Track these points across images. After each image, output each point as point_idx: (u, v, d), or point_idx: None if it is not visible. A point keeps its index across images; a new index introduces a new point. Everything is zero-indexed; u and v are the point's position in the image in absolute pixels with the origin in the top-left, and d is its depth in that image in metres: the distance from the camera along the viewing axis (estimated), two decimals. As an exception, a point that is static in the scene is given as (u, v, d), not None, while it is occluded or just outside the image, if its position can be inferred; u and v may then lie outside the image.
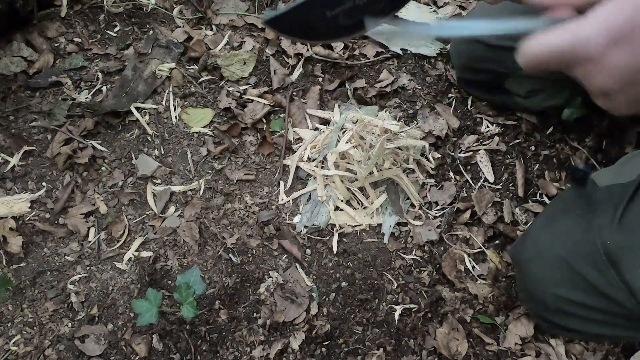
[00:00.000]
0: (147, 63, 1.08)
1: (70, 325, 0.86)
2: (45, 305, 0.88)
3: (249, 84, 1.09)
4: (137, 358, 0.84)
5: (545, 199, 0.98)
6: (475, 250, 0.94)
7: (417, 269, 0.93)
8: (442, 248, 0.95)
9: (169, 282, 0.90)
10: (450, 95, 1.10)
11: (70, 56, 1.09)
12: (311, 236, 0.94)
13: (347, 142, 0.96)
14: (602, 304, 0.64)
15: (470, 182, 1.00)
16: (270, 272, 0.91)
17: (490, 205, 0.97)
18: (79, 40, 1.11)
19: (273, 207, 0.98)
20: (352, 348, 0.86)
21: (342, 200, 0.97)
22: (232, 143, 1.03)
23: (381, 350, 0.85)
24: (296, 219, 0.96)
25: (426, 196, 0.99)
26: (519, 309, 0.89)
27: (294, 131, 1.05)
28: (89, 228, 0.94)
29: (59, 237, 0.93)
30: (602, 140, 1.02)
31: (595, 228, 0.64)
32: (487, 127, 1.06)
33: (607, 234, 0.62)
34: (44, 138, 1.01)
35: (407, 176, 0.98)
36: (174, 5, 1.18)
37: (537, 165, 1.02)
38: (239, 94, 1.07)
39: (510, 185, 1.00)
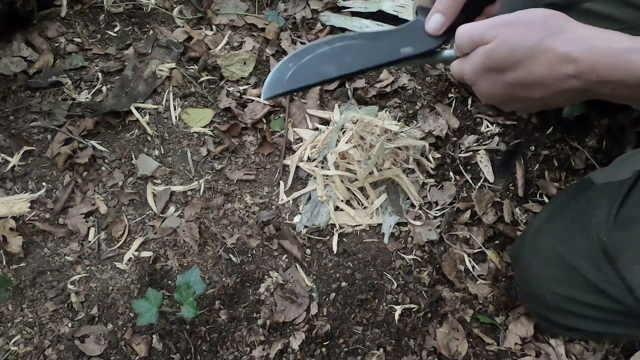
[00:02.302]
0: (147, 63, 1.08)
1: (70, 325, 0.86)
2: (45, 305, 0.88)
3: (249, 84, 1.09)
4: (137, 358, 0.84)
5: (545, 199, 0.99)
6: (475, 250, 0.94)
7: (417, 269, 0.93)
8: (442, 248, 0.95)
9: (169, 282, 0.90)
10: (450, 95, 1.10)
11: (70, 56, 1.09)
12: (311, 236, 0.94)
13: (347, 142, 0.96)
14: (601, 301, 0.65)
15: (470, 182, 1.00)
16: (270, 272, 0.91)
17: (490, 205, 0.97)
18: (79, 40, 1.11)
19: (273, 207, 0.98)
20: (352, 348, 0.86)
21: (342, 200, 0.97)
22: (232, 143, 1.03)
23: (381, 350, 0.85)
24: (296, 219, 0.96)
25: (426, 196, 0.99)
26: (519, 309, 0.89)
27: (294, 131, 1.05)
28: (89, 228, 0.94)
29: (59, 237, 0.93)
30: (602, 140, 1.02)
31: (592, 225, 0.65)
32: (487, 127, 1.06)
33: (604, 230, 0.63)
34: (44, 138, 1.01)
35: (407, 176, 0.98)
36: (174, 5, 1.18)
37: (537, 165, 1.02)
38: (239, 94, 1.07)
39: (510, 185, 1.00)
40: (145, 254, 0.92)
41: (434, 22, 0.57)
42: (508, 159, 1.01)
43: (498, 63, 0.51)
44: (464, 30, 0.53)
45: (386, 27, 0.63)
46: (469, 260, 0.93)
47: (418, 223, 0.96)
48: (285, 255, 0.94)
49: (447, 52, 0.58)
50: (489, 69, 0.52)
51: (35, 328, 0.86)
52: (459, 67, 0.56)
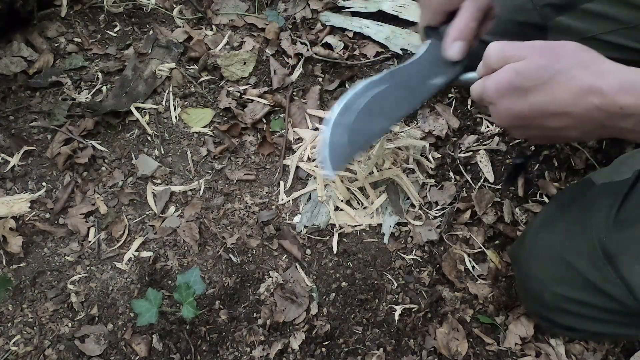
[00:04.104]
0: (147, 63, 1.08)
1: (70, 325, 0.86)
2: (45, 305, 0.88)
3: (249, 84, 1.09)
4: (137, 358, 0.84)
5: (545, 199, 0.98)
6: (475, 250, 0.94)
7: (417, 269, 0.93)
8: (442, 248, 0.95)
9: (169, 282, 0.90)
10: (450, 95, 1.10)
11: (70, 56, 1.09)
12: (311, 236, 0.94)
13: (347, 142, 0.96)
14: (601, 301, 0.65)
15: (470, 182, 1.00)
16: (270, 272, 0.91)
17: (490, 205, 0.97)
18: (79, 40, 1.11)
19: (273, 207, 0.98)
20: (352, 348, 0.86)
21: (342, 200, 0.97)
22: (232, 143, 1.03)
23: (381, 350, 0.85)
24: (296, 219, 0.96)
25: (426, 196, 0.99)
26: (519, 309, 0.89)
27: (294, 131, 1.05)
28: (89, 228, 0.94)
29: (59, 237, 0.93)
30: (602, 140, 1.02)
31: (592, 225, 0.65)
32: (487, 127, 1.06)
33: (604, 230, 0.63)
34: (44, 138, 1.01)
35: (407, 176, 0.98)
36: (174, 5, 1.18)
37: (537, 165, 1.02)
38: (239, 94, 1.07)
39: (510, 185, 1.00)
40: (145, 254, 0.92)
41: (455, 50, 0.59)
42: (515, 171, 0.99)
43: (524, 82, 0.50)
44: (497, 47, 0.53)
45: (406, 61, 0.63)
46: (469, 260, 0.93)
47: (418, 223, 0.96)
48: (285, 255, 0.94)
49: (469, 75, 0.59)
50: (514, 88, 0.51)
51: (35, 328, 0.86)
52: (481, 85, 0.55)
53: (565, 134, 0.53)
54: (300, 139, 1.04)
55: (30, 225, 0.93)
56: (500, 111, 0.54)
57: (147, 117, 1.04)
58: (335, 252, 0.93)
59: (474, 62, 0.58)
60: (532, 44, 0.51)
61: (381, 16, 1.18)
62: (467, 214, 0.96)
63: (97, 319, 0.87)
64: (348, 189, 0.96)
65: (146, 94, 1.06)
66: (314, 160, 1.00)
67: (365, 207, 0.97)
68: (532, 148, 1.01)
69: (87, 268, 0.91)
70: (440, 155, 1.02)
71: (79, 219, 0.94)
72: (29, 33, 1.08)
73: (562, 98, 0.49)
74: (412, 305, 0.89)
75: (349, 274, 0.92)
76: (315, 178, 0.98)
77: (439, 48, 0.60)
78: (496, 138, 1.04)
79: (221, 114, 1.06)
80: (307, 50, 1.12)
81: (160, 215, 0.96)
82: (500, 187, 0.99)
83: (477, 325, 0.89)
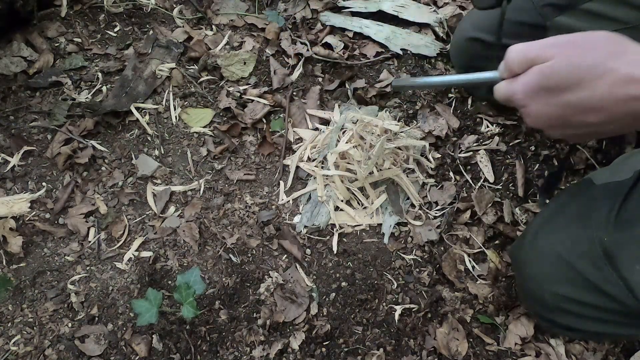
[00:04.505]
0: (147, 63, 1.08)
1: (70, 325, 0.86)
2: (45, 305, 0.88)
3: (249, 84, 1.09)
4: (137, 358, 0.84)
5: (545, 199, 0.98)
6: (475, 250, 0.94)
7: (417, 269, 0.93)
8: (442, 248, 0.95)
9: (169, 282, 0.90)
10: (450, 95, 1.10)
11: (70, 56, 1.09)
12: (311, 236, 0.94)
13: (347, 142, 0.96)
14: (601, 301, 0.65)
15: (470, 182, 1.00)
16: (270, 272, 0.91)
17: (490, 205, 0.97)
18: (79, 40, 1.11)
19: (273, 207, 0.98)
20: (352, 348, 0.86)
21: (342, 200, 0.97)
22: (232, 143, 1.03)
23: (381, 350, 0.85)
24: (296, 219, 0.96)
25: (426, 196, 0.99)
26: (519, 309, 0.89)
27: (294, 131, 1.05)
28: (89, 228, 0.94)
29: (59, 237, 0.93)
30: (602, 140, 1.02)
31: (592, 225, 0.65)
32: (487, 127, 1.06)
33: (604, 230, 0.63)
34: (44, 138, 1.01)
35: (407, 176, 0.98)
36: (174, 5, 1.18)
37: (537, 165, 1.02)
38: (239, 94, 1.07)
39: (510, 185, 1.00)
40: (145, 254, 0.92)
41: None
42: (551, 181, 0.94)
43: (556, 82, 0.49)
44: (517, 49, 0.51)
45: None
46: (469, 260, 0.93)
47: (418, 223, 0.96)
48: (285, 255, 0.94)
49: (488, 75, 0.58)
50: (545, 89, 0.50)
51: (35, 328, 0.86)
52: (507, 88, 0.54)
53: (602, 129, 0.51)
54: (300, 139, 1.04)
55: (30, 225, 0.93)
56: (533, 114, 0.53)
57: (147, 117, 1.04)
58: (335, 252, 0.93)
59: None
60: (555, 41, 0.50)
61: (381, 16, 1.18)
62: (467, 214, 0.96)
63: (97, 319, 0.87)
64: (348, 189, 0.96)
65: (146, 94, 1.06)
66: (314, 160, 1.00)
67: (365, 207, 0.97)
68: (561, 154, 0.98)
69: (87, 268, 0.91)
70: (440, 155, 1.02)
71: (79, 219, 0.94)
72: (29, 33, 1.08)
73: (597, 93, 0.47)
74: (412, 305, 0.89)
75: (349, 274, 0.92)
76: (315, 178, 0.98)
77: None
78: (496, 138, 1.04)
79: (221, 114, 1.06)
80: (307, 50, 1.12)
81: (160, 215, 0.96)
82: (537, 201, 0.97)
83: (477, 325, 0.89)
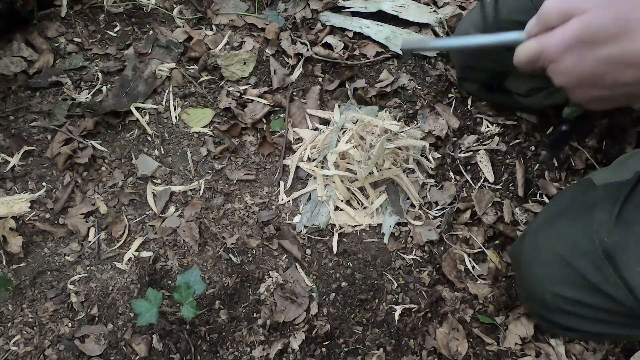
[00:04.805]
0: (147, 63, 1.08)
1: (70, 325, 0.86)
2: (45, 305, 0.88)
3: (249, 84, 1.09)
4: (137, 358, 0.84)
5: (545, 199, 0.98)
6: (475, 250, 0.94)
7: (417, 269, 0.93)
8: (442, 248, 0.95)
9: (169, 282, 0.90)
10: (450, 95, 1.10)
11: (70, 56, 1.09)
12: (311, 236, 0.94)
13: (347, 142, 0.96)
14: (601, 302, 0.65)
15: (470, 182, 1.00)
16: (270, 272, 0.91)
17: (490, 205, 0.97)
18: (79, 40, 1.11)
19: (273, 207, 0.98)
20: (352, 348, 0.86)
21: (342, 200, 0.97)
22: (232, 143, 1.03)
23: (381, 350, 0.85)
24: (296, 219, 0.96)
25: (426, 196, 0.99)
26: (519, 309, 0.89)
27: (294, 131, 1.05)
28: (89, 228, 0.94)
29: (59, 237, 0.93)
30: (602, 140, 1.02)
31: (593, 226, 0.65)
32: (487, 127, 1.06)
33: (605, 231, 0.63)
34: (44, 138, 1.01)
35: (407, 176, 0.98)
36: (174, 5, 1.18)
37: (537, 165, 1.02)
38: (239, 94, 1.07)
39: (510, 185, 1.00)
40: (145, 254, 0.92)
41: None
42: (561, 138, 0.88)
43: (598, 34, 0.46)
44: (556, 2, 0.49)
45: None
46: (469, 260, 0.93)
47: (418, 223, 0.96)
48: (285, 255, 0.94)
49: (512, 35, 0.55)
50: (583, 42, 0.47)
51: (35, 328, 0.86)
52: (539, 43, 0.51)
53: (634, 90, 0.49)
54: (300, 139, 1.04)
55: (30, 225, 0.93)
56: (565, 70, 0.50)
57: (147, 117, 1.04)
58: (335, 252, 0.93)
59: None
60: None
61: (381, 16, 1.18)
62: (467, 214, 0.96)
63: (97, 319, 0.87)
64: (348, 189, 0.96)
65: (146, 94, 1.06)
66: (314, 160, 1.00)
67: (365, 207, 0.97)
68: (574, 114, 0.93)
69: (87, 268, 0.91)
70: (440, 155, 1.02)
71: (79, 219, 0.94)
72: (29, 33, 1.08)
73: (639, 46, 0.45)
74: (412, 305, 0.89)
75: (349, 274, 0.92)
76: (315, 178, 0.98)
77: None
78: (496, 138, 1.04)
79: (221, 114, 1.06)
80: (307, 50, 1.12)
81: (160, 215, 0.96)
82: (543, 155, 0.94)
83: (477, 325, 0.89)
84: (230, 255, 0.92)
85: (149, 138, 1.03)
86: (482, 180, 1.00)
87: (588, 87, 0.51)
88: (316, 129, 1.05)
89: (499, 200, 0.98)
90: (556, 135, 0.94)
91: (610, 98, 0.52)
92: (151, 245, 0.93)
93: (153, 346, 0.85)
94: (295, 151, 1.02)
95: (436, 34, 1.17)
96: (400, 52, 0.91)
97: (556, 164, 0.99)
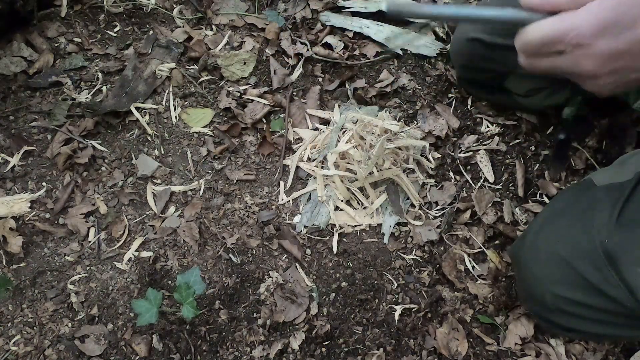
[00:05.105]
0: (147, 63, 1.08)
1: (70, 325, 0.86)
2: (45, 305, 0.88)
3: (249, 84, 1.09)
4: (137, 358, 0.84)
5: (545, 199, 0.98)
6: (475, 250, 0.94)
7: (417, 269, 0.93)
8: (442, 248, 0.95)
9: (169, 282, 0.90)
10: (450, 95, 1.10)
11: (70, 56, 1.09)
12: (311, 236, 0.94)
13: (347, 142, 0.96)
14: (601, 303, 0.64)
15: (470, 182, 1.00)
16: (270, 272, 0.91)
17: (490, 205, 0.97)
18: (79, 40, 1.11)
19: (273, 207, 0.98)
20: (352, 348, 0.86)
21: (342, 200, 0.97)
22: (232, 143, 1.03)
23: (381, 350, 0.85)
24: (296, 219, 0.96)
25: (426, 196, 0.99)
26: (519, 309, 0.89)
27: (294, 131, 1.05)
28: (89, 228, 0.94)
29: (59, 237, 0.93)
30: (602, 140, 1.02)
31: (594, 227, 0.65)
32: (487, 127, 1.06)
33: (606, 232, 0.63)
34: (44, 138, 1.01)
35: (407, 176, 0.98)
36: (174, 5, 1.18)
37: (537, 165, 1.02)
38: (239, 94, 1.07)
39: (510, 185, 1.00)
40: (145, 254, 0.92)
41: None
42: (561, 147, 0.91)
43: (622, 16, 0.44)
44: None
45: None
46: (469, 260, 0.93)
47: (418, 223, 0.96)
48: (285, 255, 0.94)
49: (521, 12, 0.49)
50: (611, 24, 0.45)
51: (35, 328, 0.86)
52: (562, 23, 0.46)
53: None
54: (300, 139, 1.04)
55: (30, 225, 0.93)
56: (594, 54, 0.47)
57: (147, 117, 1.04)
58: (335, 252, 0.93)
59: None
60: None
61: (381, 16, 1.18)
62: (467, 214, 0.96)
63: (97, 319, 0.87)
64: (348, 189, 0.96)
65: (146, 94, 1.06)
66: (314, 160, 1.00)
67: (365, 207, 0.97)
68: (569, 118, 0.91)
69: (87, 268, 0.91)
70: (440, 155, 1.02)
71: (79, 219, 0.94)
72: (29, 33, 1.08)
73: None
74: (412, 305, 0.89)
75: (349, 274, 0.92)
76: (315, 178, 0.98)
77: None
78: (496, 138, 1.04)
79: (221, 114, 1.06)
80: (307, 50, 1.12)
81: (160, 215, 0.96)
82: (550, 170, 0.92)
83: (477, 325, 0.89)
84: (230, 255, 0.92)
85: (149, 138, 1.03)
86: (482, 180, 1.00)
87: (614, 74, 0.48)
88: (316, 129, 1.05)
89: (499, 200, 0.98)
90: (556, 147, 0.93)
91: (634, 82, 0.49)
92: (151, 245, 0.93)
93: (153, 346, 0.85)
94: (295, 151, 1.02)
95: (436, 34, 1.17)
96: (385, 11, 0.80)
97: (564, 174, 0.99)
